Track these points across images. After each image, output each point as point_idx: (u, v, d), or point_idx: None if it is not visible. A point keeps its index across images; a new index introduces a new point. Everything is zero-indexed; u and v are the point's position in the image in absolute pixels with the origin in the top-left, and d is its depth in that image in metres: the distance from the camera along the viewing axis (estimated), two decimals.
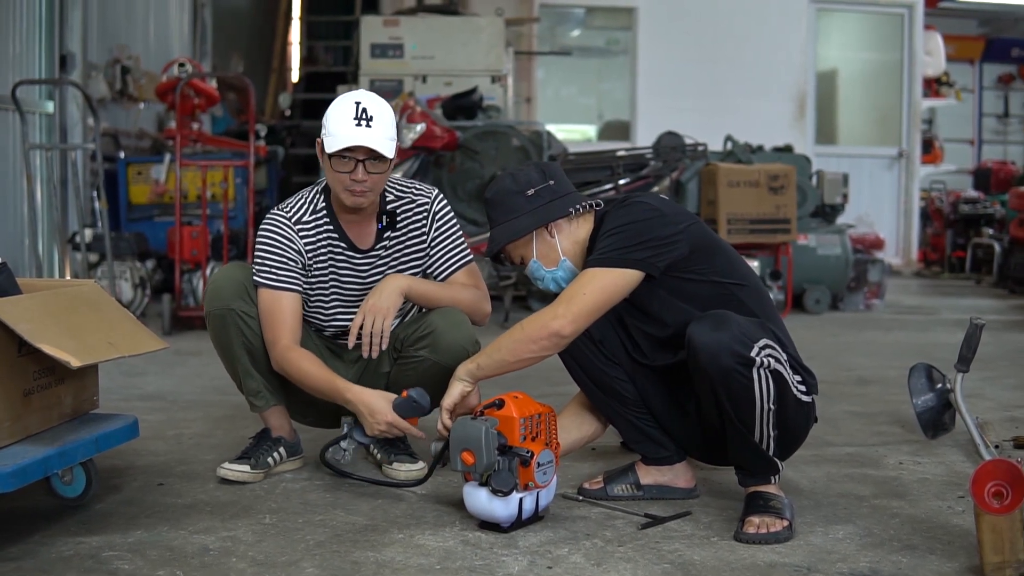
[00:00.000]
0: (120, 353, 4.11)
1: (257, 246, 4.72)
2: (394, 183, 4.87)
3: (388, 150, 4.52)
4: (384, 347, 4.61)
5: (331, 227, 4.75)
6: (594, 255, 4.17)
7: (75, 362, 3.81)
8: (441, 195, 4.94)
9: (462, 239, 4.92)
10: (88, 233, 10.18)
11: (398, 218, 4.80)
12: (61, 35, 11.56)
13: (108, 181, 11.31)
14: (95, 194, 10.83)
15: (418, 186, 4.91)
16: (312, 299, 4.83)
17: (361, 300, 4.79)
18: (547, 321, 4.10)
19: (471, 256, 4.93)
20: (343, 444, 4.60)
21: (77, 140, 11.44)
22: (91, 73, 12.13)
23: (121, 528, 4.13)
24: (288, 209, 4.76)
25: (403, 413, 4.37)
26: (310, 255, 4.72)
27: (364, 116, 4.48)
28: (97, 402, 4.53)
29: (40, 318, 3.93)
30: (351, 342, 4.65)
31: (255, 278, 4.68)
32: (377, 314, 4.56)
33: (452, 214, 4.92)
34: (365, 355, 4.63)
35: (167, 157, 11.54)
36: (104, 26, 12.80)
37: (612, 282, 4.09)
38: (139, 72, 13.25)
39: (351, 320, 4.81)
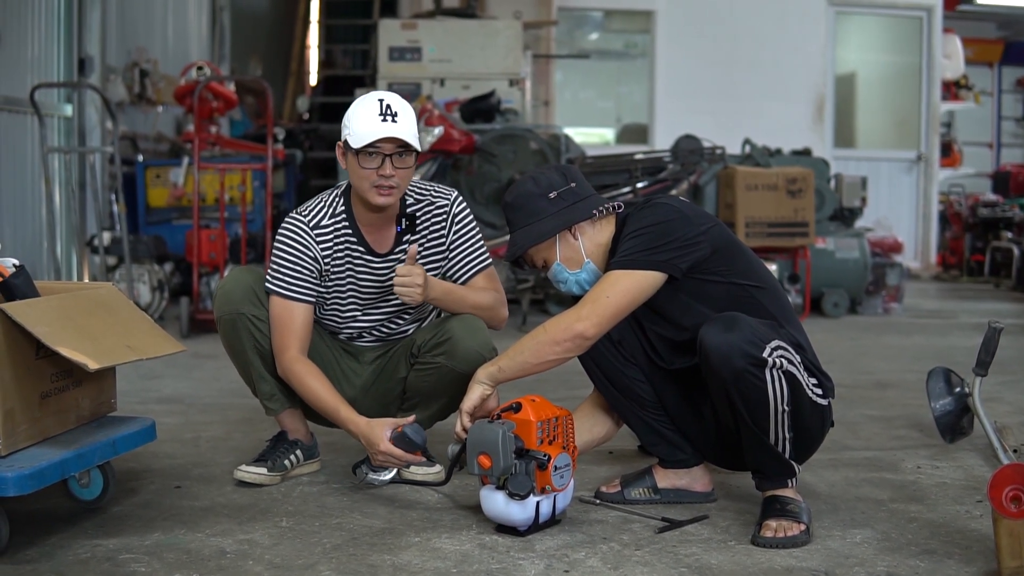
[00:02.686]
0: (138, 356, 4.11)
1: (274, 252, 4.72)
2: (413, 185, 4.85)
3: (416, 142, 4.53)
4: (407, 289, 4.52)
5: (350, 231, 4.73)
6: (617, 257, 4.17)
7: (93, 364, 3.81)
8: (460, 197, 4.92)
9: (482, 242, 4.91)
10: (106, 236, 10.19)
11: (418, 221, 4.79)
12: (80, 38, 11.58)
13: (126, 184, 11.33)
14: (113, 197, 10.84)
15: (437, 188, 4.90)
16: (329, 302, 4.83)
17: (378, 303, 4.81)
18: (571, 323, 4.11)
19: (490, 260, 4.93)
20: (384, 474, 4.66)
21: (96, 143, 11.46)
22: (110, 76, 12.14)
23: (138, 531, 4.14)
24: (307, 213, 4.74)
25: (399, 447, 4.36)
26: (327, 260, 4.71)
27: (388, 111, 4.47)
28: (115, 405, 4.53)
29: (58, 321, 3.94)
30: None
31: (268, 284, 4.68)
32: (416, 286, 4.47)
33: (471, 216, 4.91)
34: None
35: (185, 160, 11.53)
36: (123, 29, 12.82)
37: (636, 284, 4.09)
38: (157, 75, 13.28)
39: (367, 324, 4.83)
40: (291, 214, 4.78)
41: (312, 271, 4.68)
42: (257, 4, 19.44)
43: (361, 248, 4.75)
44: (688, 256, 4.12)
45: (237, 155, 11.67)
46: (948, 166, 18.54)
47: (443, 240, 4.83)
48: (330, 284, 4.77)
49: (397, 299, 4.73)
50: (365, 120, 4.49)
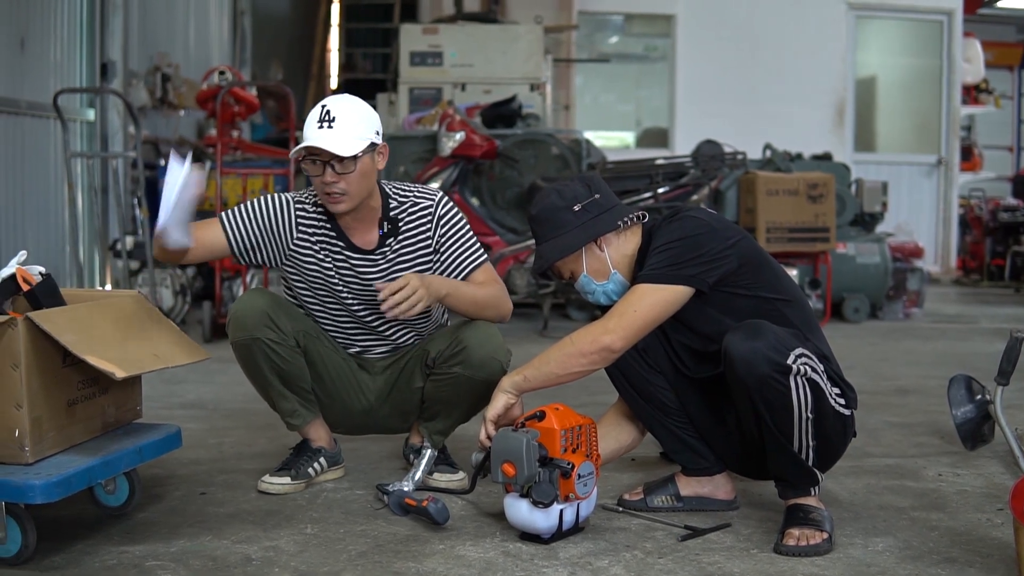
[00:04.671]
0: (164, 364, 4.14)
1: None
2: (396, 188, 4.86)
3: (347, 148, 4.49)
4: (399, 315, 4.44)
5: (328, 226, 4.75)
6: (645, 270, 4.18)
7: (120, 373, 3.84)
8: (446, 198, 4.91)
9: (474, 239, 4.90)
10: (129, 240, 10.23)
11: (400, 224, 4.79)
12: (102, 43, 11.66)
13: (149, 188, 11.36)
14: (136, 202, 10.88)
15: (420, 189, 4.89)
16: (315, 307, 4.88)
17: (370, 313, 4.84)
18: (598, 336, 4.12)
19: (485, 255, 4.91)
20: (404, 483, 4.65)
21: (118, 148, 11.53)
22: (132, 81, 12.21)
23: (164, 537, 4.16)
24: (295, 195, 4.81)
25: (422, 515, 4.37)
26: (300, 242, 4.73)
27: (327, 118, 4.51)
28: (140, 412, 4.56)
29: (84, 329, 3.96)
30: (384, 294, 4.45)
31: (222, 213, 4.71)
32: (417, 290, 4.43)
33: (459, 215, 4.89)
34: (384, 309, 4.45)
35: (207, 165, 11.56)
36: (144, 34, 12.88)
37: (663, 298, 4.11)
38: (179, 80, 13.32)
39: (369, 338, 4.90)
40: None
41: (262, 225, 4.71)
42: (278, 8, 19.51)
43: (341, 243, 4.75)
44: (716, 270, 4.13)
45: (259, 159, 11.70)
46: (968, 170, 18.53)
47: (428, 242, 4.81)
48: (309, 271, 4.79)
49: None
50: (307, 128, 4.54)
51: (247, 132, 14.08)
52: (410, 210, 4.81)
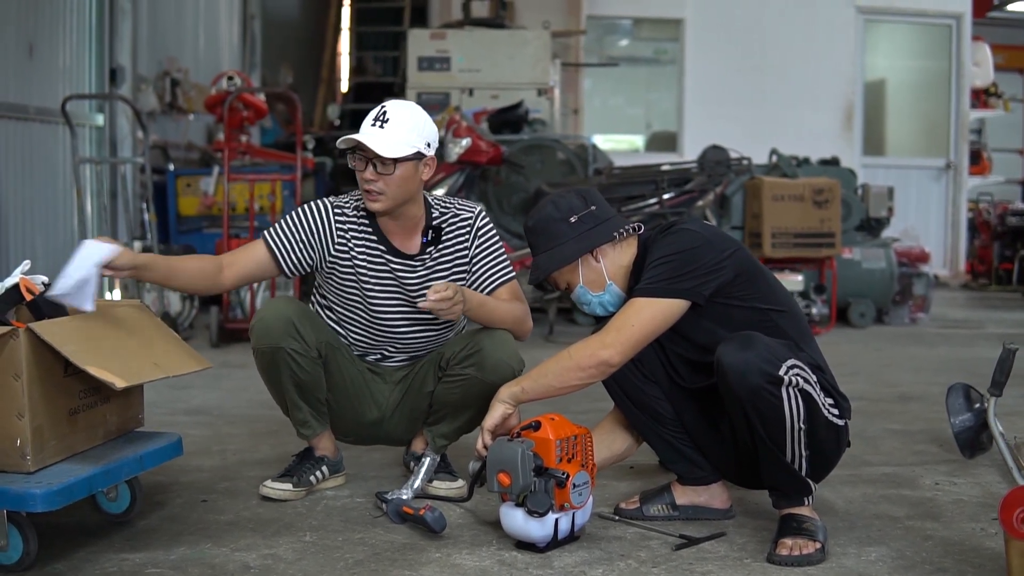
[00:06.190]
0: (164, 373, 4.17)
1: (288, 214, 4.84)
2: (437, 200, 4.93)
3: (390, 149, 4.56)
4: (433, 311, 4.50)
5: (370, 229, 4.81)
6: (642, 284, 4.22)
7: (120, 383, 3.87)
8: (484, 212, 5.00)
9: (504, 257, 4.97)
10: (137, 245, 10.23)
11: (443, 233, 4.85)
12: (111, 48, 11.69)
13: (157, 193, 11.37)
14: (144, 206, 10.90)
15: (460, 202, 4.98)
16: (342, 311, 4.92)
17: (398, 317, 4.87)
18: (596, 350, 4.16)
19: (513, 273, 4.97)
20: (403, 491, 4.68)
21: (127, 152, 11.57)
22: (141, 86, 12.23)
23: (164, 545, 4.20)
24: (334, 199, 4.88)
25: (418, 524, 4.41)
26: (339, 246, 4.78)
27: (382, 118, 4.59)
28: (142, 420, 4.60)
29: (85, 340, 4.00)
30: (433, 296, 4.46)
31: (265, 232, 4.80)
32: (458, 303, 4.49)
33: (495, 231, 4.98)
34: (423, 304, 4.50)
35: (216, 169, 11.60)
36: (154, 39, 12.90)
37: (660, 312, 4.15)
38: (188, 84, 13.35)
39: (390, 346, 4.94)
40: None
41: (306, 241, 4.78)
42: (288, 12, 19.52)
43: (382, 247, 4.81)
44: (712, 283, 4.17)
45: (267, 165, 11.73)
46: (977, 174, 18.47)
47: (465, 253, 4.88)
48: (344, 275, 4.84)
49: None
50: (364, 123, 4.62)
51: (257, 136, 14.10)
52: (451, 220, 4.88)
